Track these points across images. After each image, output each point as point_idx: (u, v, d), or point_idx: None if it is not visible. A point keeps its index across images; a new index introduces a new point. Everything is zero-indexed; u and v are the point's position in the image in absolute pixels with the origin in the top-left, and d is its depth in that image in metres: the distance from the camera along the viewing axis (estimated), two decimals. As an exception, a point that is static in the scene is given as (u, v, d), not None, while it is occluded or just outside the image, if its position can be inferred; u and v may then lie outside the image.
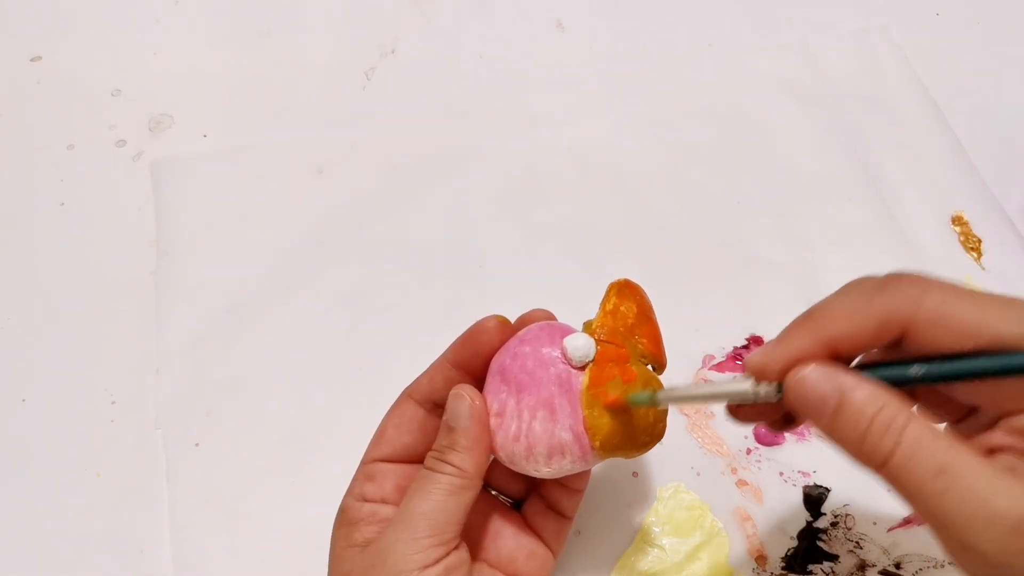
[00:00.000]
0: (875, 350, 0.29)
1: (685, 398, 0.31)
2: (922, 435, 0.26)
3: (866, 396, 0.26)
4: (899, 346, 0.28)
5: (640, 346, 0.33)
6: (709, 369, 0.44)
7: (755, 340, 0.45)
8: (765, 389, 0.29)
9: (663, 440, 0.33)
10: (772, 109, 0.53)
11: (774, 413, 0.32)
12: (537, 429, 0.32)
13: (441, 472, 0.32)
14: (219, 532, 0.41)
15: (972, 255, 0.48)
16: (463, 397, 0.32)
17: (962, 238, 0.48)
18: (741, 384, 0.29)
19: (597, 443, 0.32)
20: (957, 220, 0.49)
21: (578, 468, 0.33)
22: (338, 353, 0.45)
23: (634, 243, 0.49)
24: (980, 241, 0.48)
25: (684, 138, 0.52)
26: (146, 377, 0.45)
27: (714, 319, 0.46)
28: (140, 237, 0.49)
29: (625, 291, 0.34)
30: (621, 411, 0.32)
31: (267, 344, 0.46)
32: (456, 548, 0.32)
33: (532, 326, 0.34)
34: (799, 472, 0.41)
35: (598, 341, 0.32)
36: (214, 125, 0.53)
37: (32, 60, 0.56)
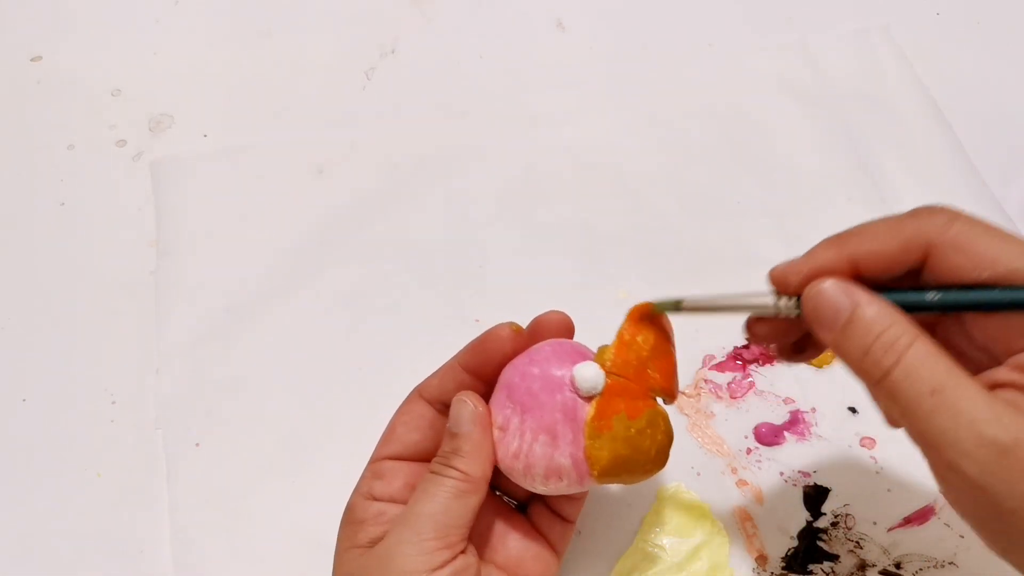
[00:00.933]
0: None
1: (708, 307, 0.32)
2: (924, 355, 0.26)
3: (876, 312, 0.27)
4: (917, 279, 0.29)
5: (651, 380, 0.33)
6: (709, 369, 0.45)
7: (755, 340, 0.45)
8: (785, 303, 0.30)
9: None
10: (772, 109, 0.53)
11: (789, 335, 0.32)
12: (537, 451, 0.32)
13: (446, 476, 0.32)
14: (219, 532, 0.41)
15: (972, 255, 0.48)
16: (465, 403, 0.33)
17: (962, 238, 0.48)
18: (763, 296, 0.30)
19: (596, 472, 0.32)
20: (957, 220, 0.49)
21: (574, 490, 0.33)
22: (338, 353, 0.45)
23: (634, 243, 0.49)
24: (980, 241, 0.48)
25: (684, 138, 0.52)
26: (146, 377, 0.45)
27: (714, 319, 0.46)
28: (140, 237, 0.49)
29: (644, 320, 0.33)
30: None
31: (267, 344, 0.46)
32: (463, 552, 0.31)
33: (544, 344, 0.34)
34: (799, 472, 0.41)
35: (608, 373, 0.32)
36: (214, 125, 0.53)
37: (32, 60, 0.56)
